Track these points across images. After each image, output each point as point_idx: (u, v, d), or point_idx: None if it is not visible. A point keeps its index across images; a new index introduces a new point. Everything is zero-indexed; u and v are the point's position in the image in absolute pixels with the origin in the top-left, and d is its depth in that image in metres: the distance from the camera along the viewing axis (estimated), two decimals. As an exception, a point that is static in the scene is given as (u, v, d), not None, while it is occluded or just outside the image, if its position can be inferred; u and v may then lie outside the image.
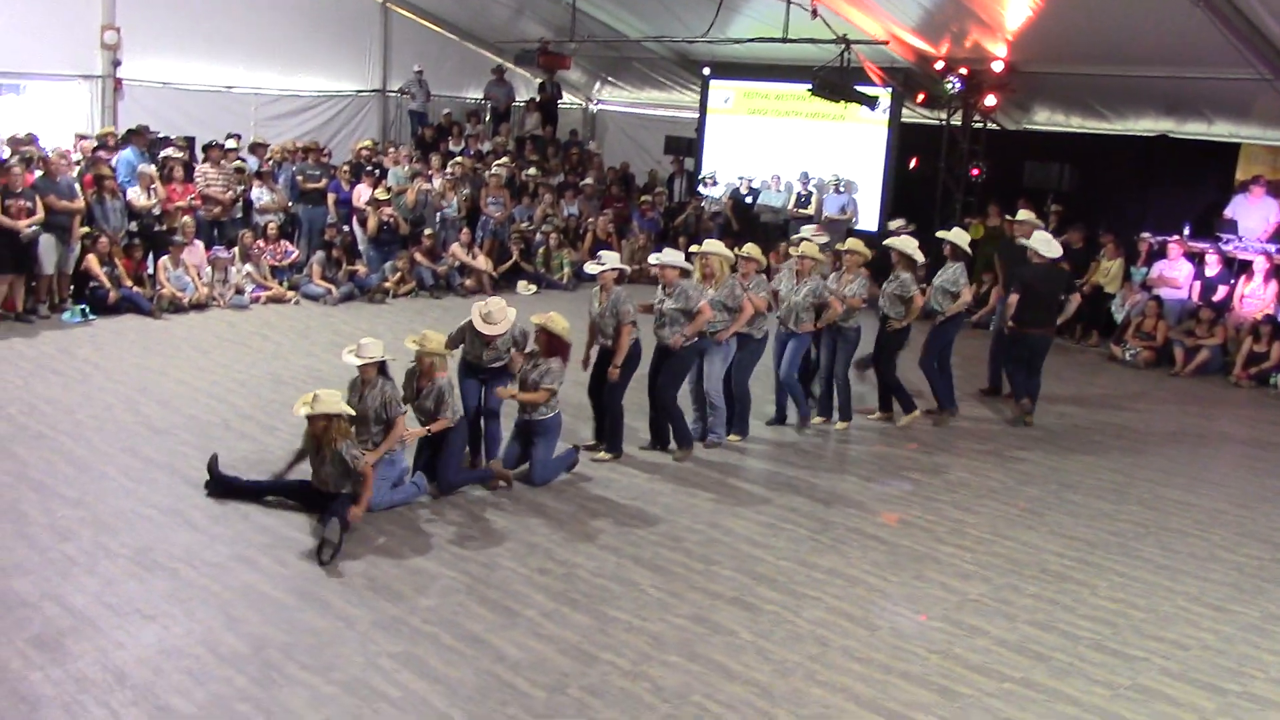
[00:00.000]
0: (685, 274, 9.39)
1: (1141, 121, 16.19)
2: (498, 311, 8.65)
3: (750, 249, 10.06)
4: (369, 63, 21.18)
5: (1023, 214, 12.63)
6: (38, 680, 5.51)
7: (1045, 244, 11.06)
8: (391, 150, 18.36)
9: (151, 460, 8.66)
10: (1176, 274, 14.82)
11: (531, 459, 8.71)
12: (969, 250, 11.11)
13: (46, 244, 12.75)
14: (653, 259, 9.69)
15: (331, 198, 16.44)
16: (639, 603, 6.86)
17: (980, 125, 17.01)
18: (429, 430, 8.27)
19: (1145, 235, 15.34)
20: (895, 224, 12.29)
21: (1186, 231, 15.09)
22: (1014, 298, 11.07)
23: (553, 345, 8.72)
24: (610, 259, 9.34)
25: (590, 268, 9.56)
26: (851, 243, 10.81)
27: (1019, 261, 11.56)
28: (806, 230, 11.88)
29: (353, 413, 7.79)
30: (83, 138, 15.63)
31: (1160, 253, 15.10)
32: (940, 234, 11.36)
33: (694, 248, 10.11)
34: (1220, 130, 15.47)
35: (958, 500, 9.09)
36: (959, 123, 16.99)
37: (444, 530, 7.78)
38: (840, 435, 10.67)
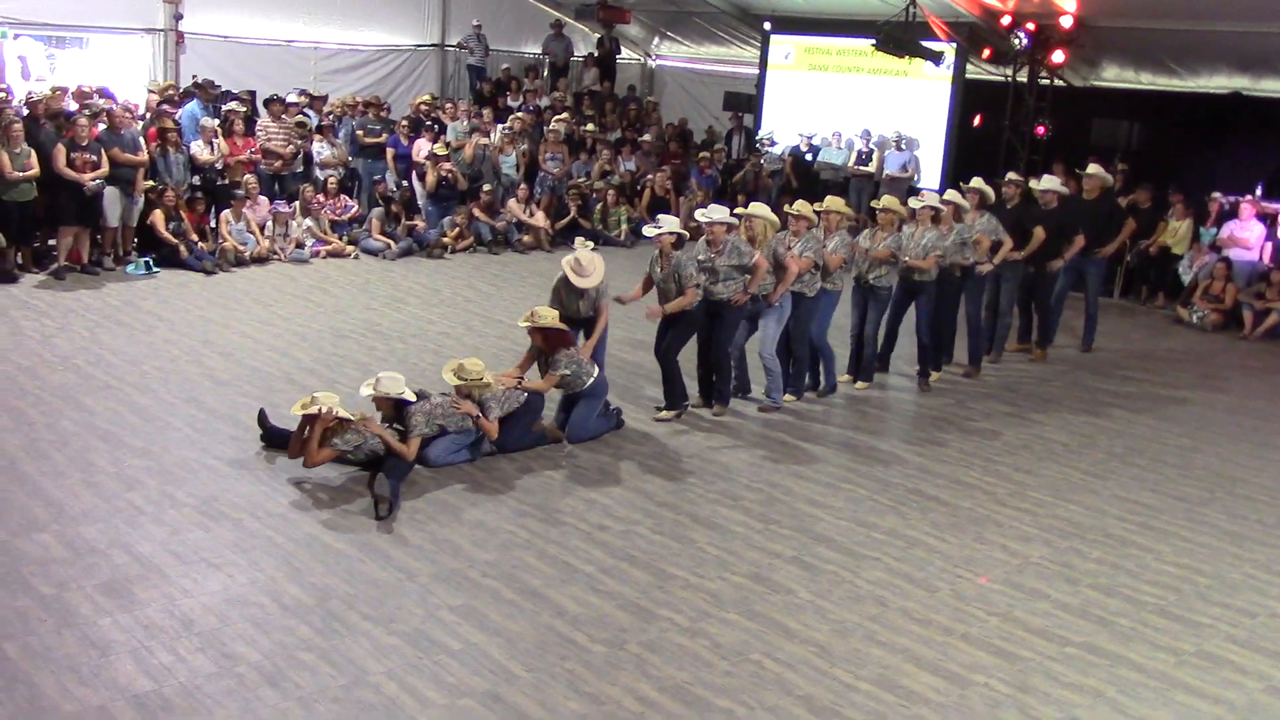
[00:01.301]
0: (731, 229, 9.32)
1: (1214, 78, 15.76)
2: (588, 262, 8.64)
3: (800, 206, 9.94)
4: (428, 17, 21.15)
5: (1092, 168, 12.37)
6: (107, 626, 5.61)
7: (1050, 182, 11.96)
8: (450, 105, 18.33)
9: (215, 411, 8.77)
10: (1248, 234, 14.47)
11: (570, 417, 8.72)
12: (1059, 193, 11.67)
13: (111, 197, 12.88)
14: (699, 215, 9.57)
15: (390, 153, 16.46)
16: (697, 560, 6.86)
17: (1047, 82, 16.66)
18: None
19: (1216, 195, 14.98)
20: (1048, 181, 12.12)
21: (1259, 191, 14.73)
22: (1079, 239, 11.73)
23: (552, 339, 8.61)
24: (668, 223, 9.28)
25: (648, 231, 9.49)
26: (886, 200, 10.60)
27: (1081, 216, 11.84)
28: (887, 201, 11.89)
29: (353, 418, 7.77)
30: (152, 92, 15.75)
31: (1231, 213, 14.75)
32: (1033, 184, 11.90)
33: (739, 210, 10.01)
34: (1297, 87, 15.05)
35: (1019, 463, 8.99)
36: (1025, 79, 16.66)
37: (503, 486, 7.82)
38: (912, 393, 10.58)
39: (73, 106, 13.85)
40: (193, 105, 15.04)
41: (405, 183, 16.17)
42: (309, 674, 5.33)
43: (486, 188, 16.20)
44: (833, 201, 10.20)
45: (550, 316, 8.60)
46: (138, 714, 4.92)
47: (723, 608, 6.28)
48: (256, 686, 5.20)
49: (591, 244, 16.30)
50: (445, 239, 15.51)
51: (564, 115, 18.52)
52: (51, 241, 13.03)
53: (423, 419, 7.86)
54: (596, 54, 21.90)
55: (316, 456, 7.55)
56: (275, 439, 8.09)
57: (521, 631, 5.87)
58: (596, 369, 8.77)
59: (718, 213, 9.38)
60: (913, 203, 10.76)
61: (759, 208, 10.00)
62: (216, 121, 14.71)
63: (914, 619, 6.32)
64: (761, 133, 19.46)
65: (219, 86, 16.38)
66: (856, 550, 7.16)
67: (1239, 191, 14.78)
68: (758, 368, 9.92)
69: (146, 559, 6.33)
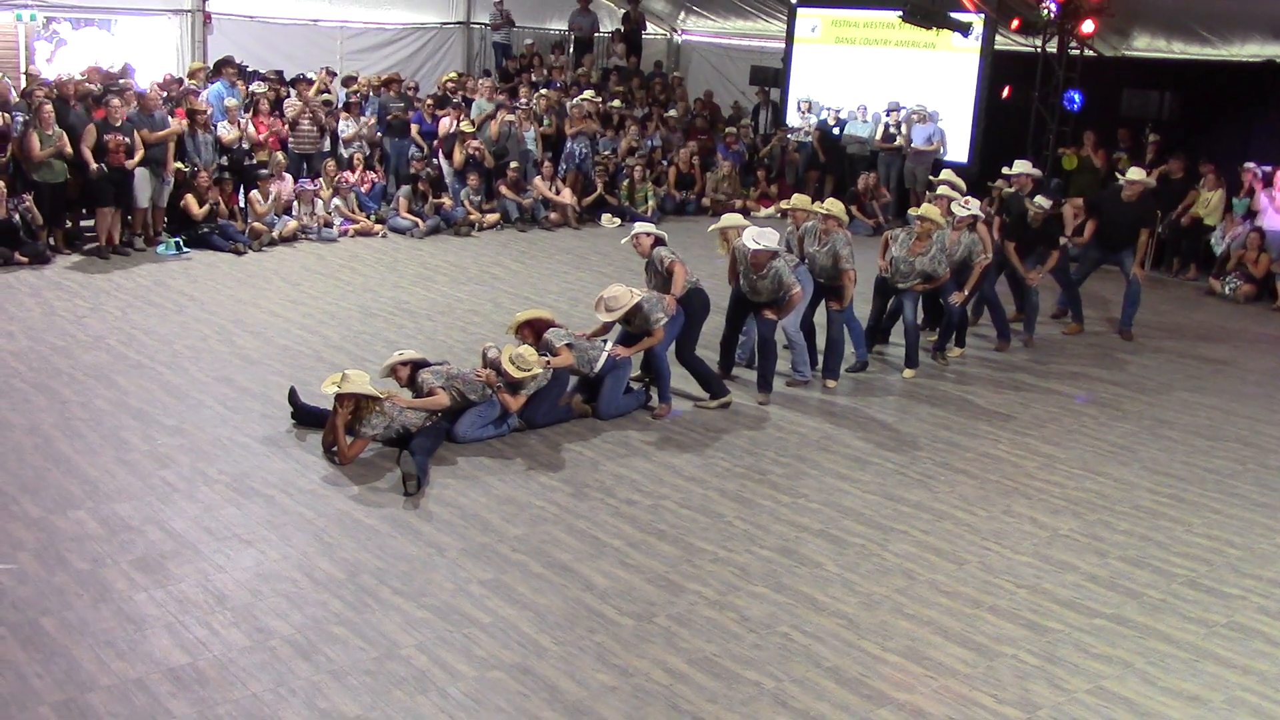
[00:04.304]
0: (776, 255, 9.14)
1: (1248, 46, 15.55)
2: (613, 300, 8.65)
3: (832, 205, 9.91)
4: (453, -6, 21.12)
5: (1134, 172, 12.05)
6: (142, 601, 5.70)
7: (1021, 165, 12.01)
8: (473, 82, 18.32)
9: (246, 390, 8.85)
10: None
11: (599, 394, 8.75)
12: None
13: (141, 177, 12.97)
14: (749, 241, 9.01)
15: (414, 129, 16.47)
16: (725, 534, 6.88)
17: (1077, 52, 16.49)
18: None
19: (1249, 165, 14.79)
20: (1019, 165, 11.94)
21: (1293, 161, 14.54)
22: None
23: (536, 328, 8.59)
24: (769, 240, 8.98)
25: (750, 243, 9.02)
26: (926, 209, 10.40)
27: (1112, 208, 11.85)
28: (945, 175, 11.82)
29: (382, 395, 7.79)
30: (191, 75, 15.71)
31: (1267, 183, 14.56)
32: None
33: (782, 204, 9.96)
34: (1332, 55, 14.83)
35: (1047, 435, 8.96)
36: (1054, 50, 16.49)
37: (532, 462, 7.86)
38: (932, 371, 10.55)
39: (95, 88, 13.87)
40: (218, 85, 15.09)
41: (436, 160, 16.17)
42: (341, 647, 5.39)
43: (513, 164, 16.21)
44: (833, 204, 10.04)
45: (526, 312, 8.75)
46: (174, 687, 5.00)
47: (751, 581, 6.31)
48: (289, 659, 5.27)
49: (619, 220, 16.52)
50: (471, 215, 15.52)
51: (590, 92, 18.47)
52: (84, 223, 13.14)
53: (432, 376, 7.92)
54: (622, 29, 21.82)
55: (349, 452, 7.60)
56: (306, 417, 8.17)
57: (550, 605, 5.91)
58: (605, 346, 8.81)
59: (768, 239, 8.98)
60: (955, 209, 10.61)
61: (799, 199, 10.25)
62: (238, 101, 14.76)
63: (942, 591, 6.33)
64: (799, 98, 19.28)
65: (244, 65, 16.41)
66: (884, 523, 7.16)
67: (1273, 162, 14.59)
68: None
69: (180, 535, 6.41)
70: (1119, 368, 10.95)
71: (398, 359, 8.09)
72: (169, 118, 13.40)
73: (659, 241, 9.33)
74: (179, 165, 13.47)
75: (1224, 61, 15.83)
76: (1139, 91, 15.82)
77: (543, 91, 18.07)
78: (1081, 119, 16.32)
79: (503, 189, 16.03)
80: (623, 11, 22.01)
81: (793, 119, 19.34)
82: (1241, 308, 13.82)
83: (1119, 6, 15.74)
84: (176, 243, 13.21)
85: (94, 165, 12.44)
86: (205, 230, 13.40)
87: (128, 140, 12.60)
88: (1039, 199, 11.18)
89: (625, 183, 17.19)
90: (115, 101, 12.71)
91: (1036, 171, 12.22)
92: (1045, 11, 15.78)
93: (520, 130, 16.73)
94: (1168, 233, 15.18)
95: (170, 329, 10.30)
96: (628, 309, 8.66)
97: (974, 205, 10.74)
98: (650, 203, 17.05)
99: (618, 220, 16.60)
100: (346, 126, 15.76)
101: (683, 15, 23.09)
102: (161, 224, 13.60)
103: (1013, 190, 11.86)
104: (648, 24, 22.35)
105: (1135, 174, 11.90)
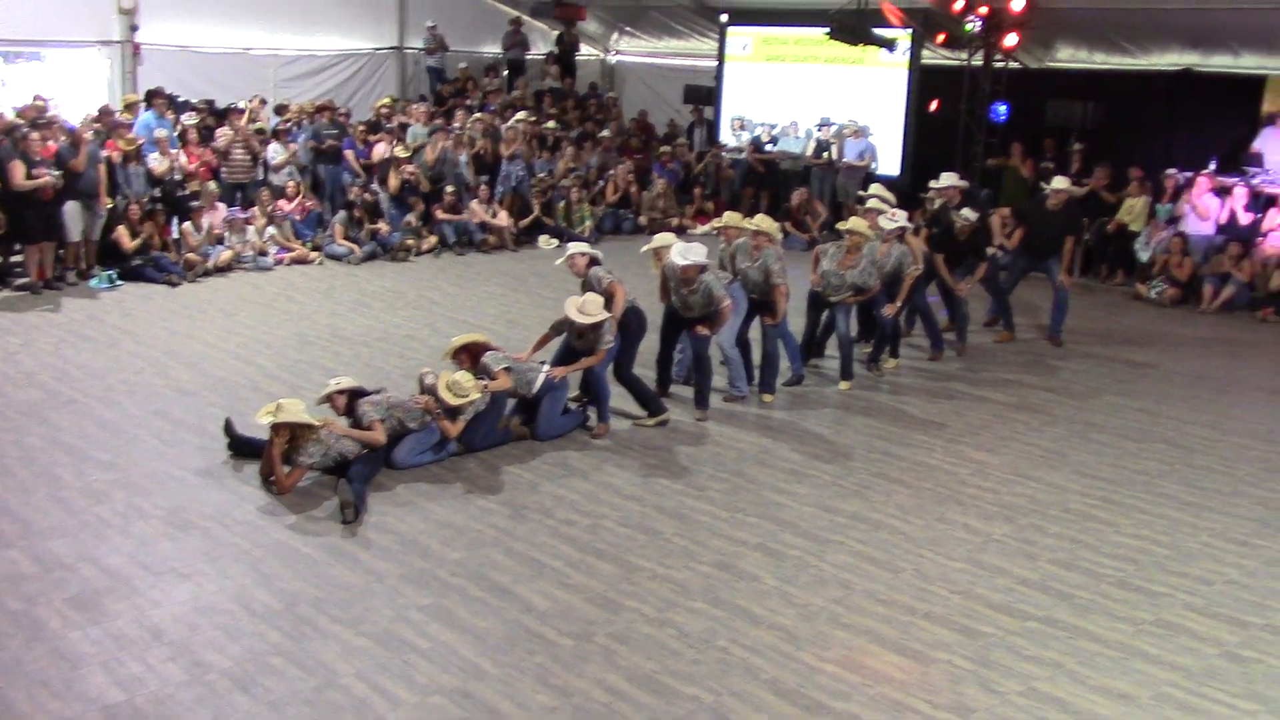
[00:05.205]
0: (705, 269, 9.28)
1: (1166, 56, 15.95)
2: (591, 305, 8.71)
3: (762, 221, 10.04)
4: (385, 20, 21.09)
5: (1059, 181, 12.30)
6: (77, 639, 5.65)
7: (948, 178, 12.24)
8: (411, 107, 18.32)
9: (181, 422, 8.79)
10: (1206, 205, 14.58)
11: (537, 415, 8.79)
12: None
13: (72, 211, 12.83)
14: (676, 257, 9.16)
15: (350, 154, 16.43)
16: (664, 551, 6.94)
17: (1002, 65, 16.82)
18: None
19: (1171, 171, 15.15)
20: (945, 178, 12.16)
21: (1213, 166, 14.90)
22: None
23: (473, 352, 8.65)
24: (697, 254, 9.13)
25: (678, 258, 9.15)
26: (853, 222, 10.57)
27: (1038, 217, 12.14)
28: (875, 189, 11.96)
29: (318, 423, 7.81)
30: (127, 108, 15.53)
31: (1189, 189, 14.89)
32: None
33: (715, 223, 10.09)
34: (1247, 63, 15.22)
35: (980, 442, 9.11)
36: (980, 63, 16.81)
37: (470, 485, 7.88)
38: (867, 383, 10.69)
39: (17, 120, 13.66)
40: (147, 115, 14.97)
41: (374, 186, 16.14)
42: (279, 678, 5.38)
43: (449, 189, 16.22)
44: (763, 220, 10.16)
45: (462, 336, 8.80)
46: (109, 724, 4.97)
47: (689, 597, 6.37)
48: (227, 693, 5.25)
49: (556, 241, 16.56)
50: (409, 241, 15.51)
51: (524, 114, 18.52)
52: (15, 259, 12.98)
53: (371, 408, 7.93)
54: (556, 51, 21.92)
55: (287, 482, 7.57)
56: (242, 447, 8.13)
57: (490, 628, 5.94)
58: (543, 368, 8.84)
59: (695, 254, 9.13)
60: (882, 222, 10.77)
61: (733, 216, 10.37)
62: (168, 131, 14.65)
63: (878, 600, 6.42)
64: (732, 115, 19.47)
65: (175, 96, 16.30)
66: (821, 535, 7.26)
67: (1194, 168, 14.95)
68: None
69: (115, 571, 6.36)
70: (1049, 373, 11.16)
71: (335, 387, 8.09)
72: (98, 151, 13.26)
73: (594, 261, 9.41)
74: (109, 202, 13.33)
75: (1143, 71, 16.23)
76: (1063, 102, 16.16)
77: (477, 115, 18.09)
78: (1008, 130, 16.62)
79: (439, 213, 16.03)
80: (557, 34, 22.11)
81: (726, 136, 19.52)
82: (1167, 311, 14.13)
83: (1041, 19, 16.09)
84: (109, 276, 13.08)
85: (50, 175, 12.29)
86: (138, 263, 13.27)
87: (52, 175, 12.43)
88: (965, 211, 11.38)
89: (562, 204, 17.25)
90: (35, 135, 12.54)
91: (964, 183, 12.44)
92: (969, 26, 16.10)
93: (454, 154, 16.75)
94: (1094, 239, 15.48)
95: (104, 363, 10.20)
96: (595, 320, 8.72)
97: (901, 217, 10.90)
98: (588, 223, 17.12)
99: (555, 241, 16.64)
100: (275, 153, 15.70)
101: (616, 36, 23.26)
102: (94, 258, 13.45)
103: (941, 203, 12.07)
104: (581, 46, 22.47)
105: (1060, 183, 12.16)
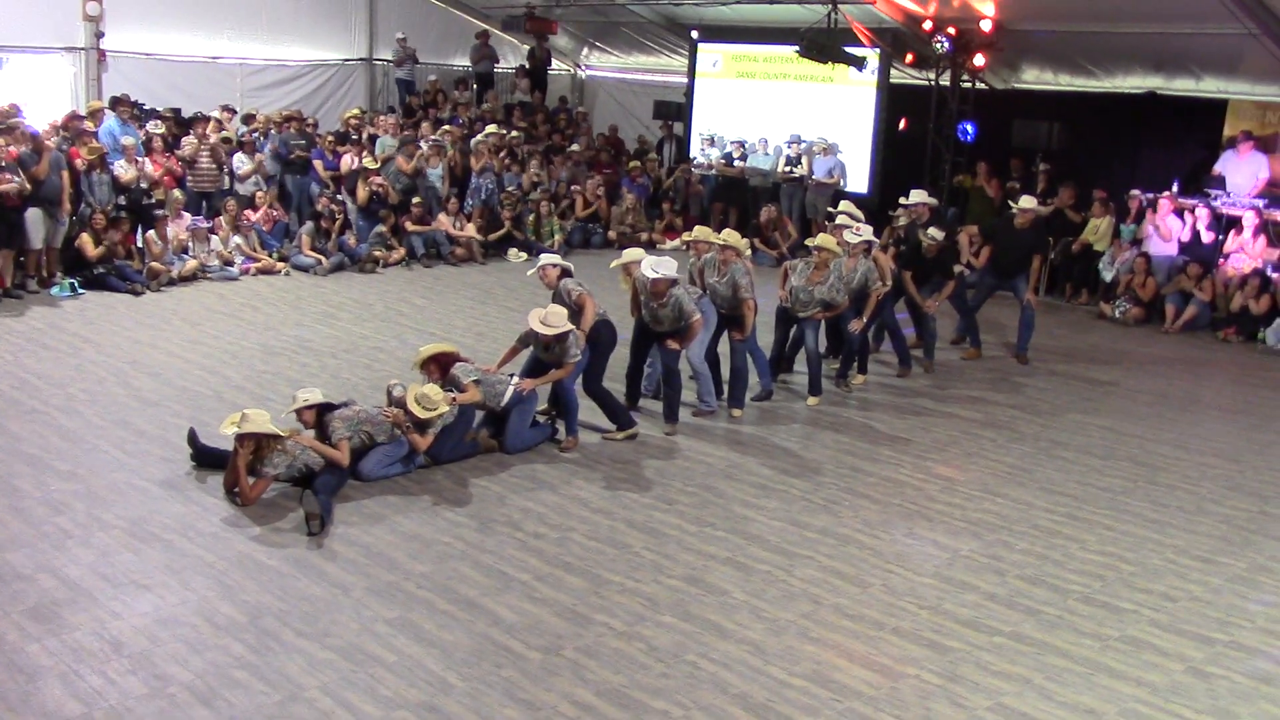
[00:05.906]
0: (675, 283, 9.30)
1: (1130, 79, 16.12)
2: (554, 316, 8.68)
3: (729, 236, 10.06)
4: (355, 31, 21.02)
5: (1025, 201, 12.39)
6: (35, 651, 5.55)
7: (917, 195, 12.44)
8: (379, 119, 18.25)
9: (144, 433, 8.68)
10: (1169, 226, 14.73)
11: (506, 427, 8.74)
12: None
13: (34, 218, 12.68)
14: (647, 270, 9.24)
15: (318, 164, 16.34)
16: (632, 565, 6.91)
17: (969, 85, 16.96)
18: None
19: (1135, 192, 15.32)
20: (915, 195, 12.26)
21: (1175, 188, 15.07)
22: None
23: (441, 363, 8.59)
24: (667, 268, 9.15)
25: (649, 272, 9.20)
26: (821, 239, 10.59)
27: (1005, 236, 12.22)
28: (844, 206, 11.97)
29: (284, 434, 7.74)
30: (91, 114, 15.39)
31: (1152, 208, 15.06)
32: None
33: (685, 236, 10.14)
34: (1208, 86, 15.40)
35: (948, 458, 9.15)
36: (948, 83, 16.94)
37: (438, 498, 7.82)
38: (836, 398, 10.71)
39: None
40: (111, 122, 14.83)
41: (340, 197, 16.05)
42: (242, 692, 5.30)
43: (417, 200, 16.16)
44: (730, 235, 10.19)
45: (431, 347, 8.74)
46: (68, 738, 4.88)
47: (658, 611, 6.34)
48: (189, 706, 5.17)
49: (525, 254, 16.54)
50: (376, 253, 15.43)
51: (494, 127, 18.50)
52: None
53: (341, 424, 7.86)
54: (527, 65, 21.92)
55: (251, 493, 7.49)
56: (206, 458, 8.04)
57: (457, 641, 5.88)
58: (511, 380, 8.80)
59: (666, 268, 9.16)
60: (848, 236, 10.80)
61: (702, 230, 10.45)
62: (134, 139, 14.52)
63: (846, 615, 6.42)
64: (703, 132, 19.52)
65: (141, 104, 16.16)
66: (790, 549, 7.25)
67: (1156, 189, 15.12)
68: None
69: (75, 583, 6.26)
70: (1015, 391, 11.23)
71: (303, 402, 7.97)
72: (61, 158, 13.12)
73: (565, 273, 9.39)
74: (69, 210, 13.18)
75: (1108, 93, 16.38)
76: (1028, 122, 16.31)
77: (446, 127, 18.05)
78: (975, 149, 16.76)
79: (408, 225, 15.96)
80: (528, 48, 22.11)
81: (696, 152, 19.56)
82: (1131, 330, 14.26)
83: (1008, 41, 16.22)
84: (72, 284, 12.93)
85: (14, 181, 12.14)
86: (101, 271, 13.14)
87: (15, 179, 12.28)
88: (932, 230, 11.45)
89: (531, 217, 17.22)
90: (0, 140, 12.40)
91: (933, 200, 12.51)
92: (938, 46, 16.22)
93: (430, 166, 16.70)
94: (1059, 259, 15.61)
95: (65, 373, 10.07)
96: (560, 332, 8.69)
97: (866, 232, 10.95)
98: (557, 237, 17.10)
99: (524, 255, 16.61)
100: (241, 163, 15.59)
101: (586, 51, 23.28)
102: (56, 265, 13.29)
103: (909, 220, 12.12)
104: (552, 60, 22.48)
105: (1026, 202, 12.26)
